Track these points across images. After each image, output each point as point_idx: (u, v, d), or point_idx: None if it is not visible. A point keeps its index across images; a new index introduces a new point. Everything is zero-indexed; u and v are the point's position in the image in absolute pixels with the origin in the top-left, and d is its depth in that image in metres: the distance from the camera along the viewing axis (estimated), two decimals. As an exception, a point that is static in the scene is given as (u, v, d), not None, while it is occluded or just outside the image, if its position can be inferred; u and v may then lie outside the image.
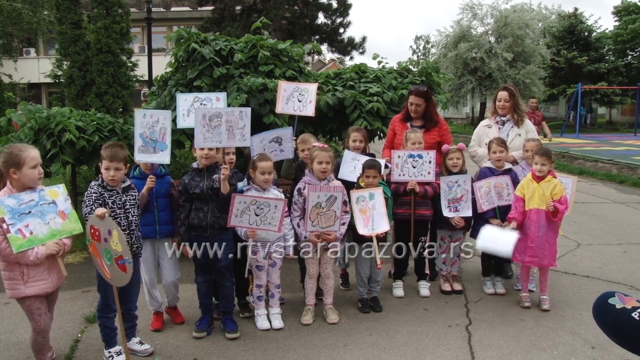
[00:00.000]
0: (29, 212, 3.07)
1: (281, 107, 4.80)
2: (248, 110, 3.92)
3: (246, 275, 4.01)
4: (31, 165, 3.11)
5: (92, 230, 3.21)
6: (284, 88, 4.76)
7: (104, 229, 3.16)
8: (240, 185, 4.13)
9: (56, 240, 3.13)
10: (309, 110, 4.80)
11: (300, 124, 4.87)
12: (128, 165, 3.57)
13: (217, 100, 4.38)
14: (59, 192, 3.26)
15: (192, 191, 3.86)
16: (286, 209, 3.97)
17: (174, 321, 4.18)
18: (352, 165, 4.58)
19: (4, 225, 2.97)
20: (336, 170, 4.54)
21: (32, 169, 3.12)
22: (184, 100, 4.37)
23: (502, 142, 4.71)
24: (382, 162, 4.64)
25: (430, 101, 4.99)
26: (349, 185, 4.37)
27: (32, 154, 3.13)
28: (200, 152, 3.87)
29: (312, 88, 4.88)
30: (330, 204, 4.06)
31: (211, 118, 3.77)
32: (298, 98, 4.76)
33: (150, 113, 3.91)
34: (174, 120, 4.57)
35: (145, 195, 3.78)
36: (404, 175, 4.61)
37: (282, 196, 4.11)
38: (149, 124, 3.86)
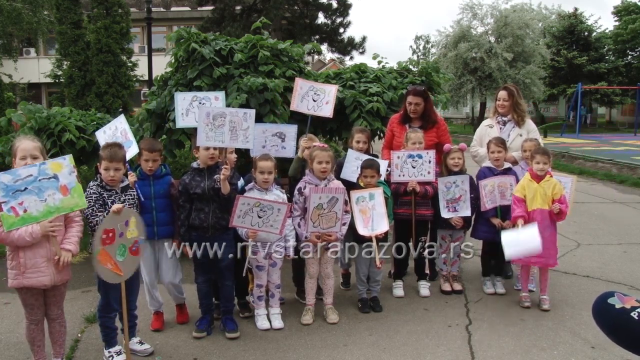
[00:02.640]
0: (25, 188, 2.91)
1: (296, 105, 4.69)
2: (252, 112, 3.85)
3: (244, 274, 4.01)
4: (19, 156, 3.10)
5: (105, 235, 3.13)
6: (300, 86, 4.66)
7: (121, 223, 3.19)
8: (240, 183, 4.12)
9: (51, 218, 3.00)
10: (325, 111, 4.69)
11: (301, 123, 4.84)
12: (126, 165, 3.57)
13: (215, 100, 4.32)
14: (63, 165, 3.06)
15: (192, 191, 3.84)
16: (289, 212, 3.96)
17: (177, 320, 4.18)
18: (354, 165, 4.56)
19: None
20: (338, 169, 4.53)
21: (21, 160, 3.09)
22: (182, 99, 4.33)
23: (500, 142, 4.71)
24: (384, 163, 4.63)
25: (429, 100, 4.98)
26: (350, 185, 4.37)
27: (23, 145, 3.13)
28: (206, 152, 3.84)
29: (329, 89, 4.74)
30: (332, 206, 4.06)
31: (215, 117, 3.73)
32: (313, 97, 4.66)
33: (108, 127, 4.23)
34: (173, 120, 4.92)
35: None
36: (403, 175, 4.60)
37: (285, 197, 4.11)
38: (111, 136, 4.10)
